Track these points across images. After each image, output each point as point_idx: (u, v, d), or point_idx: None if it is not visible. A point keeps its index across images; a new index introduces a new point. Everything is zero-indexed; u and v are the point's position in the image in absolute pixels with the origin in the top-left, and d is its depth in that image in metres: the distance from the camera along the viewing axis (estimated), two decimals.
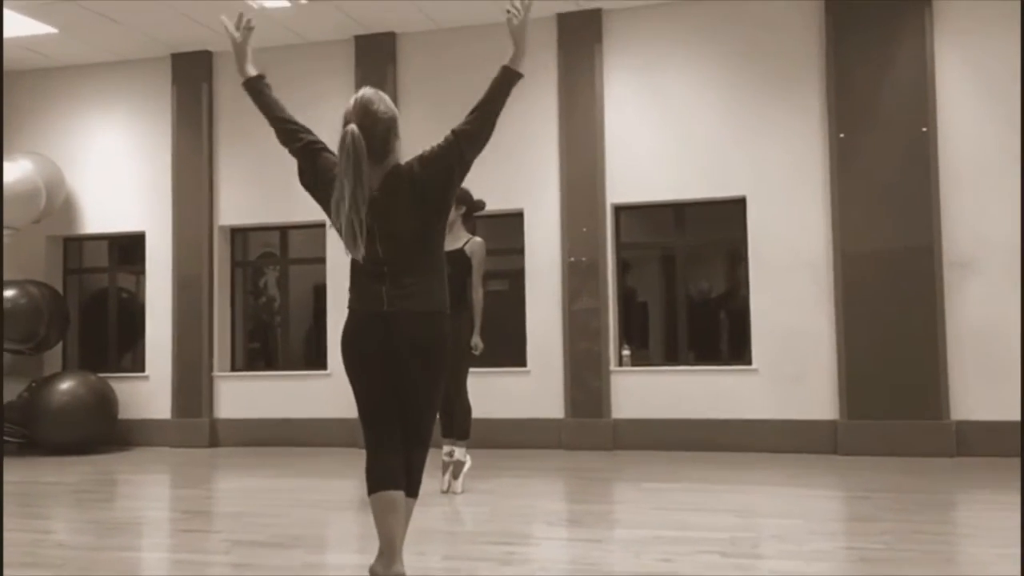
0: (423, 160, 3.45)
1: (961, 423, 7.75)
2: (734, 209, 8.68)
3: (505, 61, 3.42)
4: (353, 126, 3.37)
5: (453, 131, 3.42)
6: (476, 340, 6.27)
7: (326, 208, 3.40)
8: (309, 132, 3.58)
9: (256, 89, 3.66)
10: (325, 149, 3.53)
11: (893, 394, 7.89)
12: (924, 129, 7.94)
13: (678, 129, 8.74)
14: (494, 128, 3.47)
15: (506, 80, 3.39)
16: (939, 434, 7.73)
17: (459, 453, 6.32)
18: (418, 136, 10.05)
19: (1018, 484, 5.78)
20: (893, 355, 7.90)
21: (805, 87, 8.42)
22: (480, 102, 3.43)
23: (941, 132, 7.98)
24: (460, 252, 6.22)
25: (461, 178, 3.47)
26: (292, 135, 3.57)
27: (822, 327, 8.24)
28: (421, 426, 3.48)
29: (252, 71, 3.65)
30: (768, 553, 4.51)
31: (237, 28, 3.71)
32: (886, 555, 4.31)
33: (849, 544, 4.60)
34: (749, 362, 8.49)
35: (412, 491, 3.49)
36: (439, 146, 3.45)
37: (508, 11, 3.36)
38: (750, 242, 8.51)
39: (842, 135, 8.14)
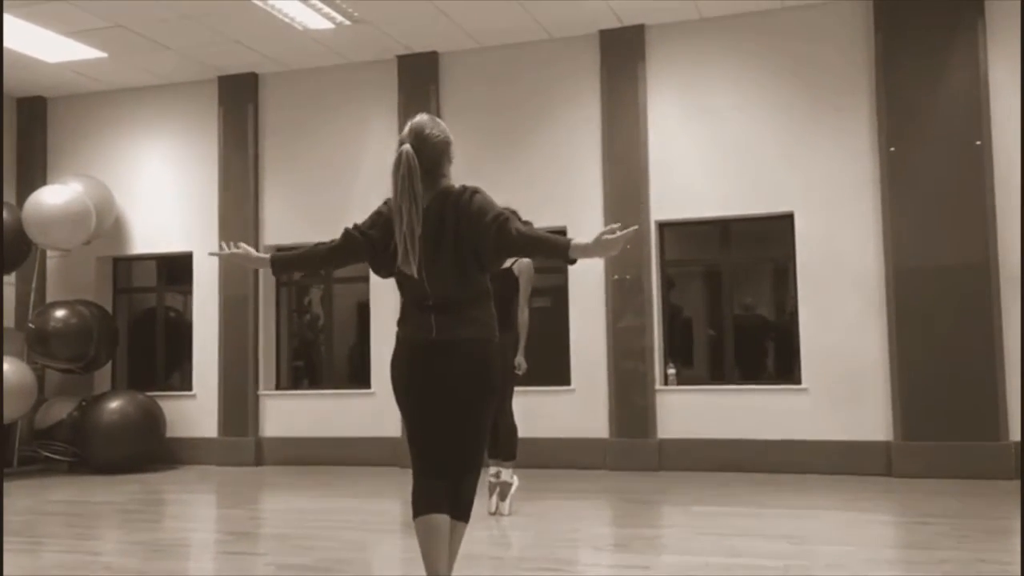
0: (473, 211, 3.38)
1: (1021, 444, 7.50)
2: (782, 225, 8.54)
3: (576, 241, 3.35)
4: (407, 146, 3.42)
5: (506, 219, 3.34)
6: (520, 360, 6.22)
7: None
8: (348, 236, 3.59)
9: (283, 261, 3.79)
10: (366, 226, 3.59)
11: (949, 414, 7.67)
12: (978, 142, 7.74)
13: (723, 145, 8.63)
14: (510, 256, 3.45)
15: (557, 252, 3.35)
16: (998, 455, 7.49)
17: (505, 474, 6.26)
18: (462, 154, 10.03)
19: None
20: (948, 374, 7.69)
21: (854, 99, 8.27)
22: (533, 236, 3.37)
23: (996, 144, 7.78)
24: (508, 272, 6.19)
25: (483, 258, 3.39)
26: (347, 250, 3.60)
27: (874, 345, 8.05)
28: (471, 452, 3.44)
29: (263, 255, 3.79)
30: None
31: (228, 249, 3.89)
32: None
33: (906, 572, 4.45)
34: (798, 381, 8.32)
35: (462, 515, 3.46)
36: (488, 216, 3.36)
37: (612, 230, 3.31)
38: (798, 258, 8.36)
39: (892, 148, 7.97)
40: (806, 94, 8.43)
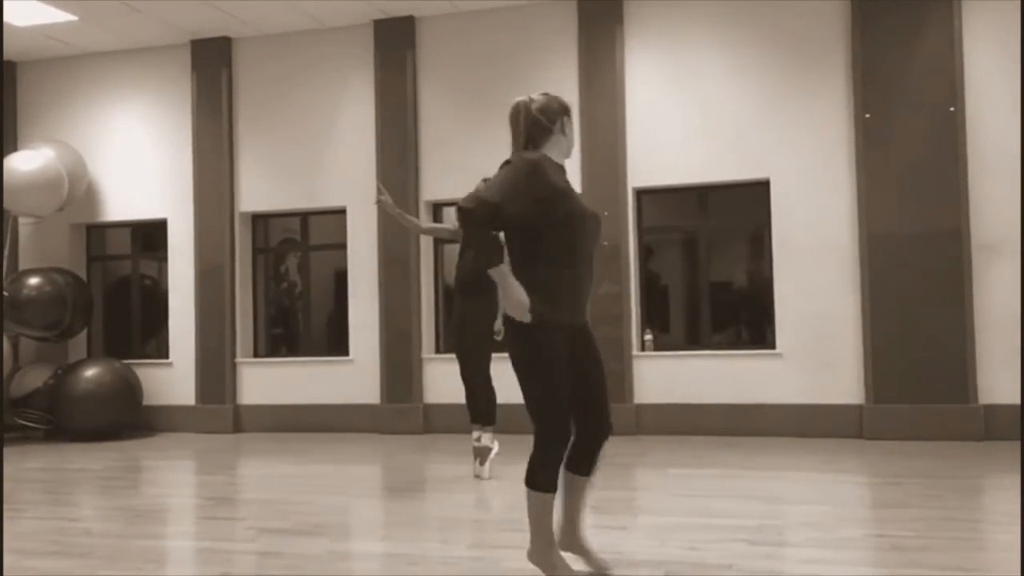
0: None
1: (989, 407, 7.66)
2: (758, 192, 8.59)
3: (508, 276, 3.49)
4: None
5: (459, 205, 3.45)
6: (499, 325, 6.23)
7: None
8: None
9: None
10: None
11: (920, 378, 7.80)
12: (952, 109, 7.81)
13: (701, 111, 8.64)
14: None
15: (486, 259, 3.45)
16: (967, 418, 7.64)
17: (486, 439, 6.30)
18: (436, 120, 10.03)
19: None
20: (920, 339, 7.81)
21: (830, 67, 8.30)
22: (467, 232, 3.44)
23: (969, 112, 7.85)
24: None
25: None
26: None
27: (847, 311, 8.15)
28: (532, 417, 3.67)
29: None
30: (796, 541, 4.46)
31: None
32: (917, 543, 4.25)
33: (879, 531, 4.54)
34: (773, 346, 8.42)
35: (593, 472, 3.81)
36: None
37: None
38: (774, 225, 8.42)
39: (868, 115, 8.02)
40: (783, 61, 8.45)
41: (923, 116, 7.92)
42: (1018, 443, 7.31)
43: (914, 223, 7.88)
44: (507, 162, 3.53)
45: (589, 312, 3.62)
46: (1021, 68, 7.73)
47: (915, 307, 7.85)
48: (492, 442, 6.34)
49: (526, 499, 3.62)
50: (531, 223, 3.48)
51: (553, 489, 3.57)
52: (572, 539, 3.82)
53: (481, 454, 6.29)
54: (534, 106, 3.68)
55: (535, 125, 3.65)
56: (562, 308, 3.53)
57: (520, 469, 6.73)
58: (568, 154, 3.76)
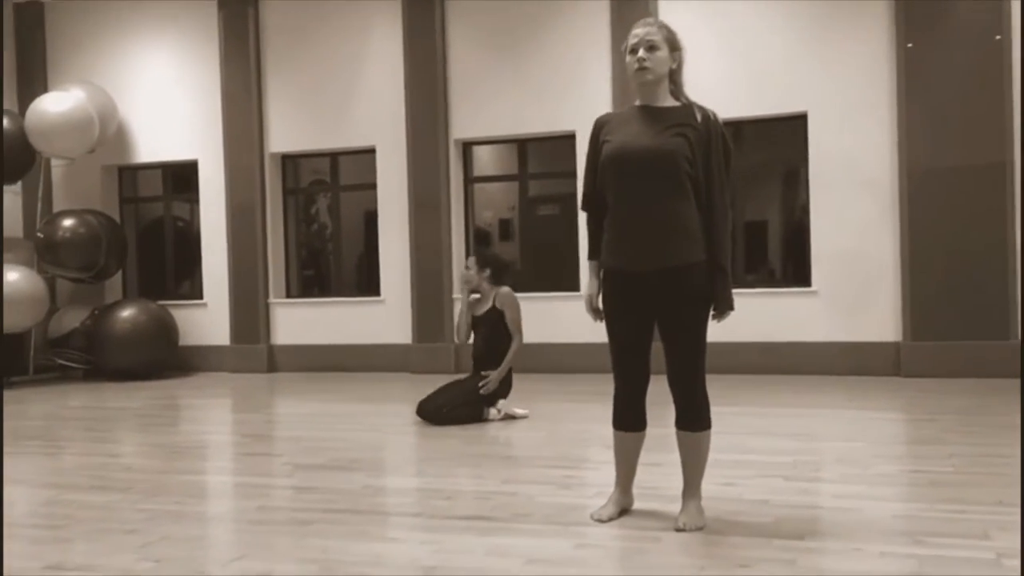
0: None
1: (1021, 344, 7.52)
2: (794, 126, 8.39)
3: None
4: None
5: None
6: (491, 385, 6.18)
7: None
8: None
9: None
10: None
11: (958, 315, 7.68)
12: (998, 37, 7.54)
13: (735, 43, 8.41)
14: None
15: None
16: (1005, 354, 7.52)
17: (493, 412, 6.30)
18: (465, 57, 9.87)
19: None
20: (959, 275, 7.66)
21: None
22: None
23: (1016, 41, 7.57)
24: (492, 310, 6.23)
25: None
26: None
27: (885, 247, 8.01)
28: None
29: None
30: (831, 477, 4.44)
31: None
32: (953, 478, 4.21)
33: (915, 467, 4.50)
34: (808, 284, 8.31)
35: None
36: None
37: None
38: (811, 161, 8.25)
39: (910, 45, 7.77)
40: None
41: (968, 45, 7.65)
42: None
43: (956, 157, 7.67)
44: None
45: (670, 256, 3.39)
46: (1021, 67, 7.45)
47: (955, 243, 7.68)
48: (499, 412, 6.28)
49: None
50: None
51: (618, 426, 3.67)
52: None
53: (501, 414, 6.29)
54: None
55: None
56: (615, 254, 3.47)
57: (550, 408, 6.75)
58: (633, 85, 3.59)
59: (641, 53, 3.44)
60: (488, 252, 6.65)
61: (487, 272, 6.30)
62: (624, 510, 3.73)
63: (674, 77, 3.54)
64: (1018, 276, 7.56)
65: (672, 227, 3.37)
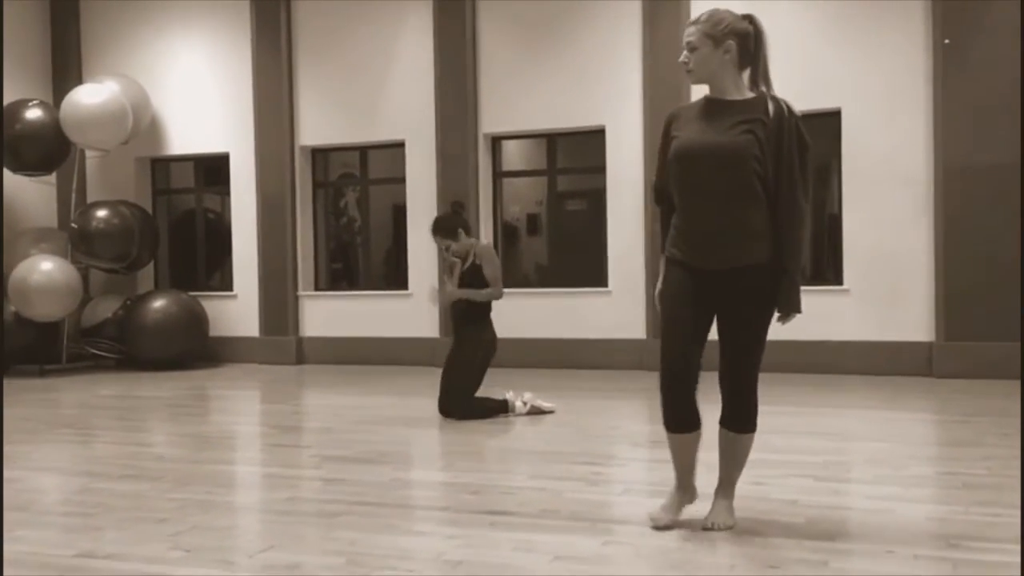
0: None
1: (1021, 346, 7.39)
2: (828, 122, 8.29)
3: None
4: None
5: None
6: (451, 289, 6.12)
7: None
8: None
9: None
10: None
11: (992, 315, 7.55)
12: None
13: (769, 38, 8.29)
14: None
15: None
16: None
17: (519, 406, 6.25)
18: (495, 52, 9.84)
19: None
20: (993, 274, 7.54)
21: None
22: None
23: None
24: (472, 267, 6.13)
25: None
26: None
27: (919, 246, 7.90)
28: None
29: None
30: (863, 478, 4.39)
31: None
32: (988, 481, 4.14)
33: (949, 469, 4.44)
34: (840, 282, 8.22)
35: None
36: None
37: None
38: (844, 157, 8.15)
39: (947, 41, 7.65)
40: None
41: (1006, 41, 7.52)
42: None
43: (993, 154, 7.54)
44: None
45: (733, 257, 3.29)
46: (1021, 64, 7.30)
47: (989, 242, 7.56)
48: (524, 404, 6.25)
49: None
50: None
51: (672, 428, 3.44)
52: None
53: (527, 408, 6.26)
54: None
55: None
56: (679, 248, 3.37)
57: (577, 404, 6.73)
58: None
59: (682, 57, 3.39)
60: (440, 220, 6.30)
61: (461, 234, 6.15)
62: (685, 505, 3.58)
63: (743, 66, 3.40)
64: None
65: (736, 227, 3.25)
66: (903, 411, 6.27)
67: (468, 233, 6.21)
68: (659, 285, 3.49)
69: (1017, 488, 3.99)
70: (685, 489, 3.56)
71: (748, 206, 3.25)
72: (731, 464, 3.54)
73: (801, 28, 8.21)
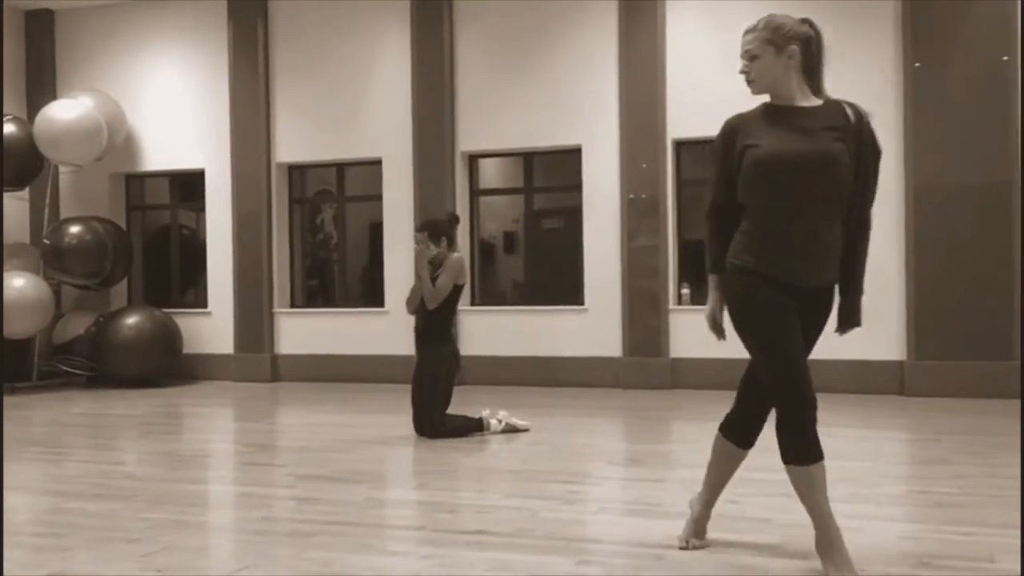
0: None
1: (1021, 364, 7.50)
2: None
3: None
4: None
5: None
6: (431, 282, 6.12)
7: None
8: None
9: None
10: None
11: (963, 334, 7.65)
12: (1005, 58, 7.55)
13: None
14: None
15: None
16: (1010, 374, 7.49)
17: (494, 423, 6.25)
18: (473, 70, 9.87)
19: None
20: (964, 295, 7.65)
21: (879, 12, 8.04)
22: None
23: (1018, 59, 7.58)
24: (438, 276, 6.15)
25: None
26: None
27: (890, 265, 8.00)
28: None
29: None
30: (836, 496, 4.36)
31: None
32: (959, 499, 4.19)
33: (921, 488, 4.48)
34: None
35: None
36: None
37: None
38: None
39: (918, 64, 7.78)
40: (830, 8, 8.18)
41: (975, 65, 7.66)
42: None
43: (962, 175, 7.66)
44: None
45: (822, 277, 3.19)
46: (1021, 64, 7.46)
47: (960, 262, 7.67)
48: (499, 422, 6.24)
49: (792, 480, 3.22)
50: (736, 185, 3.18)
51: (809, 459, 3.13)
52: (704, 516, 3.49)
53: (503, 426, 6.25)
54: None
55: None
56: (771, 261, 3.08)
57: (555, 422, 6.74)
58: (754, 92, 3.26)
59: (742, 66, 3.22)
60: (431, 223, 6.32)
61: (444, 242, 6.18)
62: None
63: (806, 71, 3.21)
64: (1022, 298, 7.55)
65: (825, 242, 3.09)
66: (875, 429, 6.33)
67: (450, 246, 6.23)
68: (710, 305, 3.28)
69: (989, 506, 4.04)
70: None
71: (835, 219, 3.10)
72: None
73: None
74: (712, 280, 3.30)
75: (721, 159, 3.22)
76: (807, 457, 3.11)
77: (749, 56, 3.21)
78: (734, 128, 3.19)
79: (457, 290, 6.17)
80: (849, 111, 3.14)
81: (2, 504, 4.10)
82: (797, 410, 3.12)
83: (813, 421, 3.12)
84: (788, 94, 3.18)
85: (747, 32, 3.25)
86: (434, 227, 6.22)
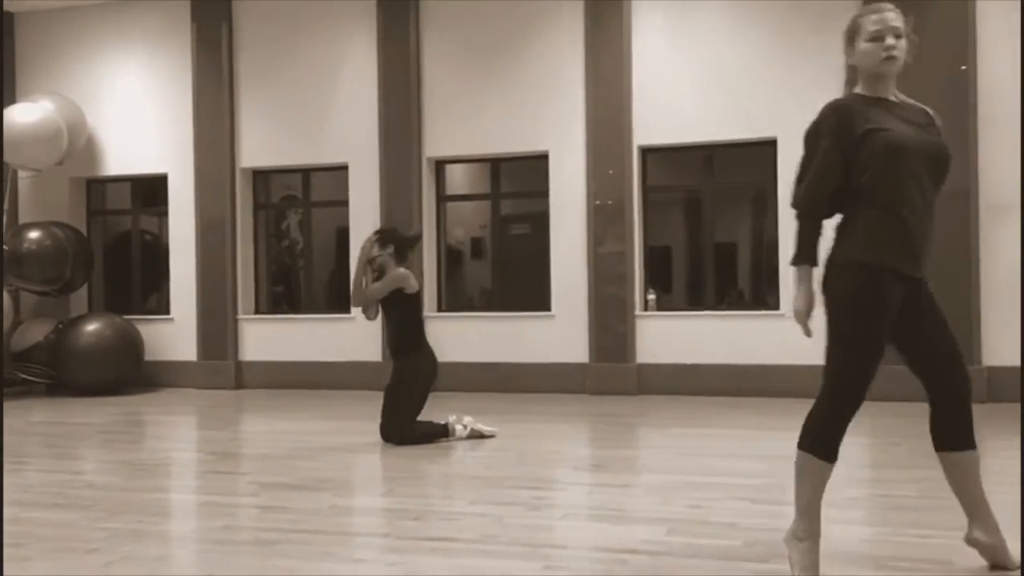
0: None
1: (993, 368, 7.64)
2: (764, 151, 8.49)
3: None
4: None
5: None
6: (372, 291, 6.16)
7: None
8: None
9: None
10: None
11: None
12: (963, 67, 7.69)
13: (708, 68, 8.51)
14: None
15: None
16: (972, 380, 7.59)
17: (459, 428, 6.24)
18: (439, 76, 9.86)
19: None
20: None
21: (840, 24, 8.12)
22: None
23: (981, 71, 7.73)
24: (395, 291, 6.14)
25: None
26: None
27: None
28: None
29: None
30: None
31: None
32: (918, 503, 4.25)
33: (883, 491, 4.54)
34: (776, 307, 8.38)
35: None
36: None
37: None
38: (780, 185, 8.34)
39: None
40: (791, 17, 8.31)
41: (934, 74, 7.77)
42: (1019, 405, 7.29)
43: None
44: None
45: (928, 265, 3.12)
46: (1021, 66, 7.61)
47: None
48: (465, 428, 6.24)
49: (795, 465, 3.19)
50: (847, 170, 3.09)
51: (829, 458, 3.13)
52: (982, 529, 3.27)
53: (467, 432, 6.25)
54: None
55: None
56: (894, 250, 3.04)
57: (521, 428, 6.74)
58: (873, 73, 3.18)
59: (890, 40, 3.12)
60: (389, 230, 6.41)
61: (390, 249, 6.19)
62: None
63: None
64: (983, 302, 7.68)
65: (932, 234, 3.10)
66: None
67: (398, 259, 6.21)
68: (804, 300, 3.18)
69: (947, 509, 4.09)
70: (817, 533, 3.15)
71: (935, 212, 3.12)
72: (978, 483, 3.30)
73: (738, 60, 8.41)
74: (805, 272, 3.17)
75: (835, 141, 3.08)
76: (823, 451, 3.14)
77: (895, 34, 3.14)
78: (850, 111, 3.10)
79: (412, 299, 6.19)
80: (931, 113, 3.20)
81: (2, 504, 4.02)
82: (845, 409, 3.16)
83: (847, 424, 3.17)
84: (888, 86, 3.17)
85: (889, 9, 3.19)
86: (387, 232, 6.29)
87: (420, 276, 9.22)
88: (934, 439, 3.33)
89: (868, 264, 3.04)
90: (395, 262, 6.20)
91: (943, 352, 3.26)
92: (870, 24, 3.16)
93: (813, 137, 3.15)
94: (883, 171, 3.03)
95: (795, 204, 3.20)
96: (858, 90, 3.20)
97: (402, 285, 6.13)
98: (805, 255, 3.16)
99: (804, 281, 3.16)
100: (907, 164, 3.03)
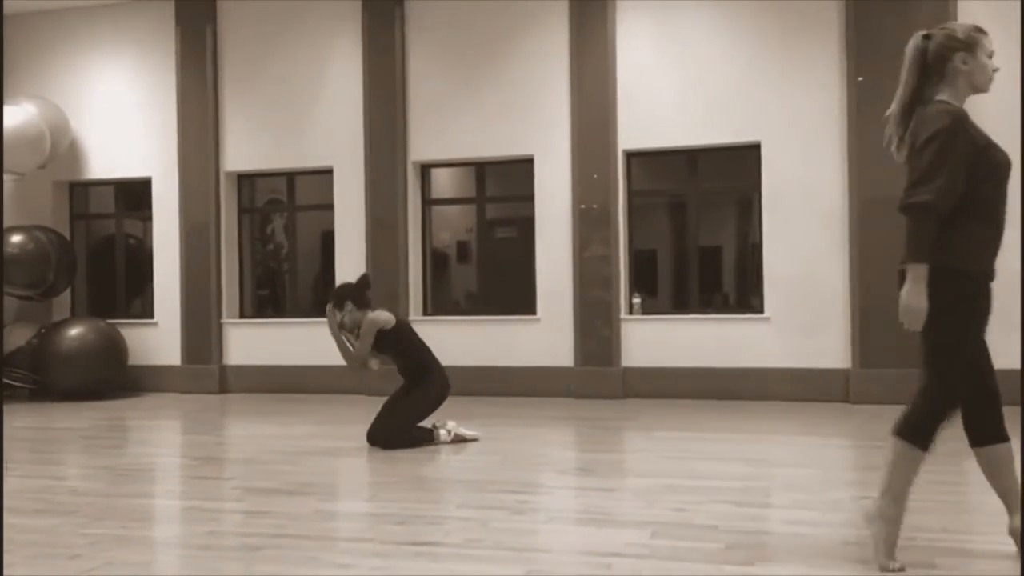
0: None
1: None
2: (748, 155, 8.54)
3: None
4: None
5: None
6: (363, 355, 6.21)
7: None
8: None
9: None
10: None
11: (905, 343, 7.77)
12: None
13: (692, 73, 8.55)
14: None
15: None
16: None
17: (443, 433, 6.25)
18: (424, 80, 9.87)
19: None
20: None
21: (823, 28, 8.22)
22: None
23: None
24: (378, 336, 6.17)
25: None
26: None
27: (836, 275, 8.15)
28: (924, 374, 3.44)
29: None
30: (782, 503, 4.48)
31: None
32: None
33: (865, 494, 4.56)
34: (761, 310, 8.42)
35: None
36: None
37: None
38: (764, 189, 8.39)
39: (861, 78, 7.96)
40: (776, 22, 8.36)
41: None
42: (1004, 408, 7.33)
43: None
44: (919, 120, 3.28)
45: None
46: (1021, 65, 7.66)
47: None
48: (448, 433, 6.25)
49: (891, 451, 3.37)
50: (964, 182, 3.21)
51: (927, 448, 3.32)
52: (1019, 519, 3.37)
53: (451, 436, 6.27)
54: (932, 43, 3.44)
55: (934, 62, 3.43)
56: (988, 260, 3.31)
57: (506, 432, 6.74)
58: (977, 87, 3.44)
59: (994, 66, 3.46)
60: (337, 290, 6.40)
61: (348, 306, 6.22)
62: None
63: None
64: None
65: None
66: (821, 436, 6.44)
67: (359, 306, 6.22)
68: (917, 297, 3.27)
69: (929, 511, 4.13)
70: (901, 517, 3.34)
71: None
72: (1013, 474, 3.44)
73: (722, 65, 8.45)
74: (920, 270, 3.23)
75: (960, 149, 3.18)
76: (923, 442, 3.33)
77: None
78: (963, 121, 3.25)
79: (397, 332, 6.23)
80: None
81: (2, 505, 3.99)
82: (946, 407, 3.36)
83: (946, 421, 3.36)
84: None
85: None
86: (336, 294, 6.30)
87: (406, 280, 9.22)
88: (971, 435, 3.47)
89: (975, 275, 3.26)
90: (360, 312, 6.22)
91: (988, 350, 3.49)
92: (988, 44, 3.42)
93: (948, 139, 3.18)
94: (997, 187, 3.26)
95: (929, 203, 3.18)
96: (947, 98, 3.35)
97: (378, 328, 6.16)
98: (926, 253, 3.22)
99: (921, 280, 3.24)
100: (1005, 181, 3.30)
